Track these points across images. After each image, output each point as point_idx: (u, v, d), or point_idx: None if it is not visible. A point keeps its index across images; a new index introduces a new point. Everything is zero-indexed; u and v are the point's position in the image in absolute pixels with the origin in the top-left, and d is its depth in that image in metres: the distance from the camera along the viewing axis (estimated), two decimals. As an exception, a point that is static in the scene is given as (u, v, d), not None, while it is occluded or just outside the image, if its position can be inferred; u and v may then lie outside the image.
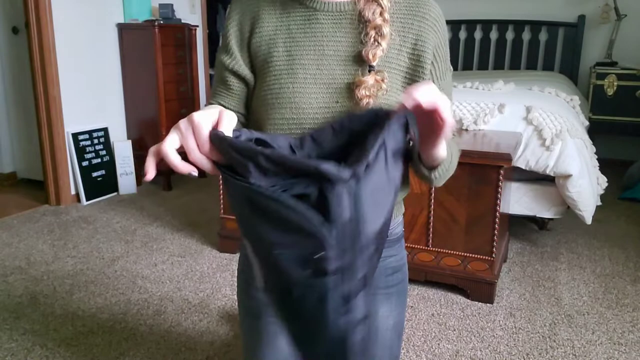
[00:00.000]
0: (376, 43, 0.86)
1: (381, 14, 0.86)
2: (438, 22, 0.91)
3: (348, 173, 0.62)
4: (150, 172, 0.68)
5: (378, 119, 0.71)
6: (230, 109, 0.94)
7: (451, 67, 0.98)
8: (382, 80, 0.86)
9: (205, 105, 0.93)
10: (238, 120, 0.93)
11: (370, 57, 0.85)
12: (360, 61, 0.87)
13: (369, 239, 0.68)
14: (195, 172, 0.68)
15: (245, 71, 0.93)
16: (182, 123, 0.68)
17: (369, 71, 0.86)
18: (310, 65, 0.88)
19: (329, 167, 0.61)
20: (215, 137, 0.66)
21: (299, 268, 0.66)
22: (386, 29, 0.86)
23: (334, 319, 0.68)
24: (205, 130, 0.67)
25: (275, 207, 0.64)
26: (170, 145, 0.67)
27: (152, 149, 0.69)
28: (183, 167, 0.67)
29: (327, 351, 0.71)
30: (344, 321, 0.69)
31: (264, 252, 0.69)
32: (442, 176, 0.89)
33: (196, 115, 0.68)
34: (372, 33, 0.86)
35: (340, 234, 0.64)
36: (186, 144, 0.67)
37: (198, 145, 0.67)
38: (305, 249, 0.65)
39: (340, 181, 0.62)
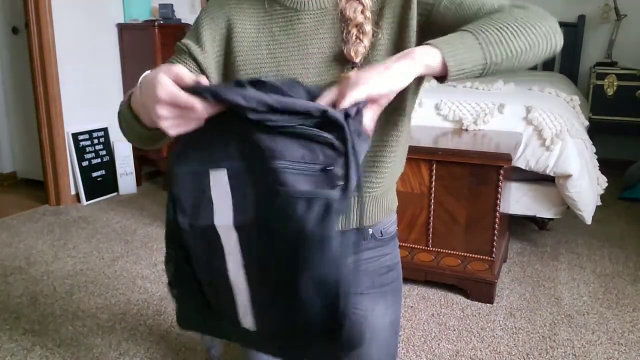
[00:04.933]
0: (358, 40, 0.84)
1: (362, 11, 0.85)
2: None
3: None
4: (198, 104, 0.64)
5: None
6: None
7: None
8: None
9: None
10: None
11: (353, 54, 0.84)
12: (345, 59, 0.86)
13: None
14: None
15: (211, 69, 0.89)
16: (159, 87, 0.63)
17: (352, 68, 0.84)
18: (296, 65, 0.87)
19: (335, 112, 0.66)
20: (207, 88, 0.65)
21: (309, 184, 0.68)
22: (368, 27, 0.84)
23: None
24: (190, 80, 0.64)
25: (289, 133, 0.66)
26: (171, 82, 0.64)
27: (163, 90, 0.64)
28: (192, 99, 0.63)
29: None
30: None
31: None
32: (497, 60, 0.76)
33: (164, 72, 0.64)
34: (354, 31, 0.85)
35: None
36: (181, 101, 0.63)
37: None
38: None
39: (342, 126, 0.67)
